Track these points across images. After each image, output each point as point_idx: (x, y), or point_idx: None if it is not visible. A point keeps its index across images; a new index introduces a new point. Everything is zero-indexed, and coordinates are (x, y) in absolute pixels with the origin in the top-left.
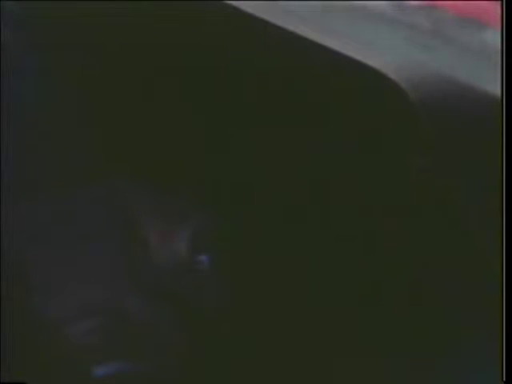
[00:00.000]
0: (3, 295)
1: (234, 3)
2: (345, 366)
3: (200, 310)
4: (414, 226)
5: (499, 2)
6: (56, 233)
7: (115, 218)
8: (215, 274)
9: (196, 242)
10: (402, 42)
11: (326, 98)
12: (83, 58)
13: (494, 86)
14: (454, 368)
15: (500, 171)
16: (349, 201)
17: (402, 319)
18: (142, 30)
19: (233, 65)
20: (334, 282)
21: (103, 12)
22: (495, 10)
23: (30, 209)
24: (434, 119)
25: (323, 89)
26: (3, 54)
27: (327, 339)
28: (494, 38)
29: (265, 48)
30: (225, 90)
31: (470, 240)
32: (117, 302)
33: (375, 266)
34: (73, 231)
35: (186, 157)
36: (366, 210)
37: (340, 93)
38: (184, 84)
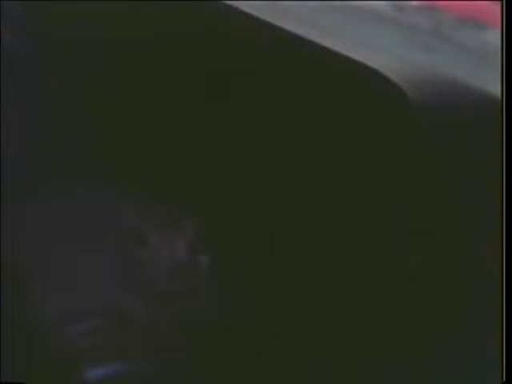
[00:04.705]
0: (3, 295)
1: (234, 3)
2: (345, 368)
3: (199, 310)
4: (414, 225)
5: (499, 2)
6: (56, 233)
7: (115, 219)
8: (214, 275)
9: (195, 243)
10: (402, 43)
11: (325, 99)
12: (83, 60)
13: (493, 85)
14: (454, 368)
15: (500, 171)
16: (348, 201)
17: (401, 319)
18: (142, 30)
19: (232, 65)
20: (333, 282)
21: (103, 12)
22: (495, 10)
23: (30, 209)
24: (434, 119)
25: (323, 89)
26: (3, 54)
27: (326, 339)
28: (494, 38)
29: (264, 48)
30: (223, 91)
31: (470, 240)
32: (117, 302)
33: (374, 267)
34: (72, 232)
35: (185, 159)
36: (366, 209)
37: (340, 93)
38: (182, 87)
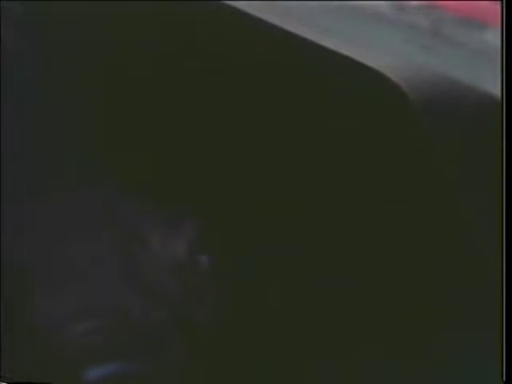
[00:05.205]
0: (3, 295)
1: (233, 3)
2: (345, 368)
3: (199, 310)
4: (414, 225)
5: (499, 2)
6: (56, 233)
7: (116, 219)
8: (214, 275)
9: (195, 243)
10: (402, 43)
11: (325, 99)
12: (83, 60)
13: (494, 85)
14: (454, 368)
15: (500, 171)
16: (348, 201)
17: (401, 319)
18: (142, 30)
19: (232, 65)
20: (333, 282)
21: (103, 12)
22: (495, 10)
23: (30, 209)
24: (433, 119)
25: (323, 89)
26: (3, 54)
27: (327, 339)
28: (494, 38)
29: (264, 48)
30: (223, 92)
31: (469, 240)
32: (117, 302)
33: (375, 267)
34: (72, 232)
35: (185, 159)
36: (366, 210)
37: (339, 93)
38: (181, 87)
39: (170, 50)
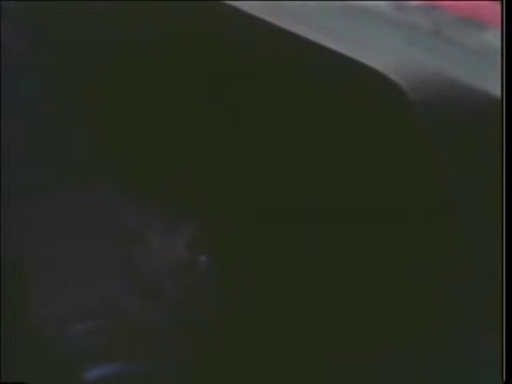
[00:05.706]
0: (3, 296)
1: (233, 3)
2: (345, 368)
3: (199, 310)
4: (414, 225)
5: (499, 2)
6: (56, 233)
7: (115, 219)
8: (214, 275)
9: (195, 244)
10: (402, 43)
11: (325, 99)
12: (82, 59)
13: (494, 85)
14: (454, 368)
15: (500, 171)
16: (348, 202)
17: (401, 319)
18: (141, 30)
19: (232, 66)
20: (333, 281)
21: (103, 12)
22: (495, 10)
23: (30, 209)
24: (433, 119)
25: (323, 89)
26: (3, 53)
27: (326, 339)
28: (494, 38)
29: (265, 48)
30: (223, 92)
31: (470, 240)
32: (116, 302)
33: (374, 267)
34: (72, 232)
35: (185, 159)
36: (366, 209)
37: (340, 93)
38: (181, 88)
39: (170, 50)
